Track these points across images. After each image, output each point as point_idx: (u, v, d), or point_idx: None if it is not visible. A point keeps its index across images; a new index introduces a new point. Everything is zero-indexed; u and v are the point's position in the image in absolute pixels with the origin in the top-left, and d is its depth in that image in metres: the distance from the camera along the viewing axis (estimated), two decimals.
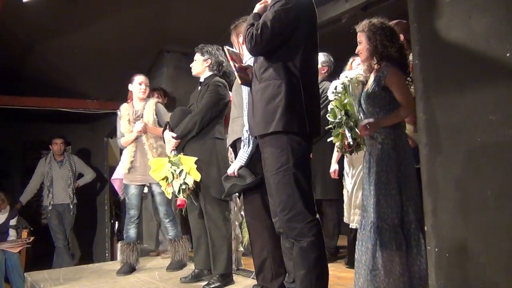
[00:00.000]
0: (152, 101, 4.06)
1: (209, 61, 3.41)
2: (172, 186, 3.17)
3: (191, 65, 3.49)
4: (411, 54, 2.43)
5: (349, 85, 2.74)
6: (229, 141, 2.93)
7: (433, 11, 2.16)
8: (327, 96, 3.00)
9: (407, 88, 2.45)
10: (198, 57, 3.44)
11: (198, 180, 3.16)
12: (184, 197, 3.16)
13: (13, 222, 5.33)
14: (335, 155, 3.61)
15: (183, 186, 3.13)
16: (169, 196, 3.32)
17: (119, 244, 4.22)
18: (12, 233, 5.29)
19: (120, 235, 7.03)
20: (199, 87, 3.42)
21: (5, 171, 6.49)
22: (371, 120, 2.42)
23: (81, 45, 4.97)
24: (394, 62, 2.44)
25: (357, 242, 2.51)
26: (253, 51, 2.23)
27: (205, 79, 3.40)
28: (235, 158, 2.79)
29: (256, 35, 2.13)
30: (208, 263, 3.34)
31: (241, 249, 3.74)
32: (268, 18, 2.13)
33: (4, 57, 5.07)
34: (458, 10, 2.07)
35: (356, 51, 2.57)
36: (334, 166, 3.63)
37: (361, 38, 2.52)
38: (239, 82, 2.41)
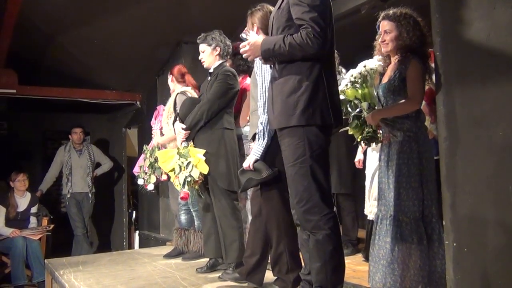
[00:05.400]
0: (177, 91, 3.93)
1: (218, 48, 3.36)
2: (178, 178, 3.19)
3: (200, 58, 3.43)
4: None
5: (368, 75, 2.65)
6: (250, 134, 2.91)
7: (456, 1, 2.11)
8: None
9: (422, 83, 2.36)
10: (205, 47, 3.37)
11: (205, 173, 3.15)
12: (188, 190, 3.18)
13: (34, 209, 5.41)
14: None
15: (189, 179, 3.13)
16: (178, 188, 3.30)
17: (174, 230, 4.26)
18: (33, 220, 5.38)
19: (137, 224, 7.13)
20: (209, 77, 3.39)
21: (26, 160, 6.62)
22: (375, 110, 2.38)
23: (101, 36, 5.02)
24: (417, 55, 2.37)
25: (372, 236, 2.47)
26: (323, 49, 2.07)
27: (214, 68, 3.36)
28: None
29: (316, 31, 2.02)
30: (219, 252, 3.36)
31: None
32: (312, 14, 2.04)
33: (25, 48, 5.15)
34: (481, 0, 2.02)
35: (381, 40, 2.45)
36: (359, 156, 3.59)
37: (390, 28, 2.40)
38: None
